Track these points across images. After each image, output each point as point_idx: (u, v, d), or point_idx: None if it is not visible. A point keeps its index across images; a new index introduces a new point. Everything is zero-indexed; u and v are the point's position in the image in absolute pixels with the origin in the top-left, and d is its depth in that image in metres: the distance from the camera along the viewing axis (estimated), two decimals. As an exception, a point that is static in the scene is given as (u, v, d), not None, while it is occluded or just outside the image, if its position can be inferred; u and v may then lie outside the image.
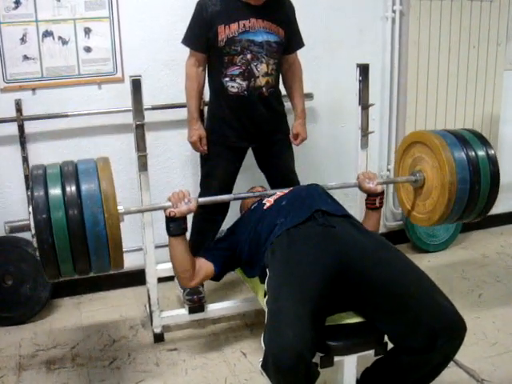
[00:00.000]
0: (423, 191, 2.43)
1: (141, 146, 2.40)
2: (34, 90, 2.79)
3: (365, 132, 2.69)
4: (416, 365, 1.75)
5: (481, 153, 2.31)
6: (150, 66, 2.92)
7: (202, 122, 2.69)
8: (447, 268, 3.29)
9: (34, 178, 1.84)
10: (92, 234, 1.79)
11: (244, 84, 2.50)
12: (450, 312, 1.72)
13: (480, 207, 2.34)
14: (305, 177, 2.84)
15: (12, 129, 2.78)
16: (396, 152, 2.70)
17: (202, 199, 2.27)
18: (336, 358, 1.75)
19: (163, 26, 2.91)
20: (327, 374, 1.83)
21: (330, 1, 3.17)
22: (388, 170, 3.47)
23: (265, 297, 1.84)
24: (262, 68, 2.50)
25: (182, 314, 2.64)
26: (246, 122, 2.58)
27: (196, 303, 2.62)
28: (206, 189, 2.68)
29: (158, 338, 2.59)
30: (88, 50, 2.81)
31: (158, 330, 2.59)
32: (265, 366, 1.60)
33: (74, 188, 1.81)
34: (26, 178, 2.79)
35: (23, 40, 2.71)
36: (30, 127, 2.81)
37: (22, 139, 2.79)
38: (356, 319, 1.85)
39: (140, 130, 2.39)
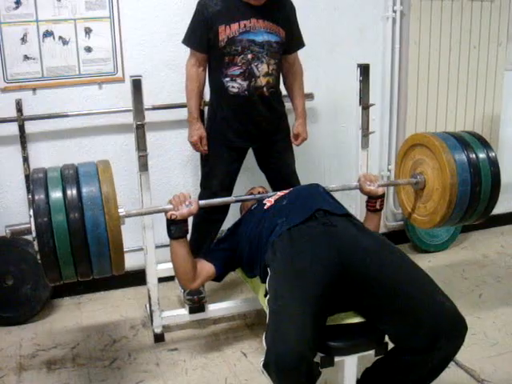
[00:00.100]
0: (424, 193, 2.43)
1: (141, 145, 2.40)
2: (34, 89, 2.79)
3: (365, 132, 2.69)
4: (417, 365, 1.75)
5: (481, 154, 2.32)
6: (150, 66, 2.92)
7: (203, 122, 2.70)
8: (448, 268, 3.30)
9: (35, 182, 1.84)
10: (93, 236, 1.78)
11: (244, 84, 2.50)
12: (451, 312, 1.72)
13: (481, 209, 2.34)
14: (305, 177, 2.84)
15: (12, 129, 2.78)
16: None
17: (203, 202, 2.27)
18: (336, 358, 1.75)
19: (164, 25, 2.91)
20: (328, 374, 1.83)
21: (331, 1, 3.16)
22: (389, 170, 3.47)
23: (266, 296, 1.84)
24: (263, 68, 2.50)
25: (182, 314, 2.64)
26: (246, 122, 2.58)
27: (196, 303, 2.62)
28: (206, 189, 2.68)
29: (159, 338, 2.59)
30: (88, 49, 2.81)
31: (158, 330, 2.59)
32: (266, 366, 1.60)
33: (74, 191, 1.81)
34: (27, 178, 2.79)
35: (24, 40, 2.71)
36: (31, 127, 2.81)
37: (23, 139, 2.79)
38: (356, 319, 1.85)
39: (140, 130, 2.39)
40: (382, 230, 3.42)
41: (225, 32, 2.45)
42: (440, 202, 2.31)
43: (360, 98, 2.64)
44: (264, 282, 1.94)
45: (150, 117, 2.64)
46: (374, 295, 1.79)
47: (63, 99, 2.83)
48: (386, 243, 1.96)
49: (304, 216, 1.99)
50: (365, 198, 2.39)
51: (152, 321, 2.59)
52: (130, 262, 2.43)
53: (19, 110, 2.75)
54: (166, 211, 2.10)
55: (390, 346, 1.82)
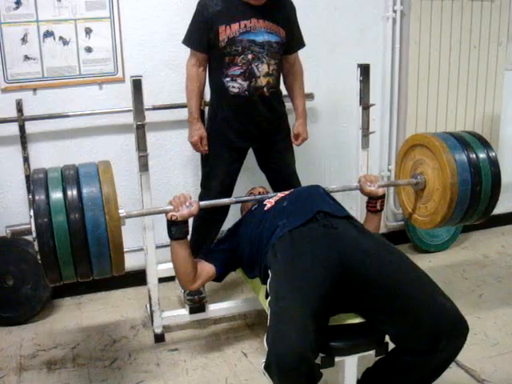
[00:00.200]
0: (424, 194, 2.43)
1: (141, 146, 2.40)
2: (34, 90, 2.79)
3: (366, 132, 2.69)
4: (417, 365, 1.75)
5: (482, 154, 2.32)
6: (150, 66, 2.92)
7: (203, 123, 2.70)
8: (448, 268, 3.29)
9: (36, 182, 1.84)
10: (93, 237, 1.78)
11: (245, 84, 2.50)
12: (451, 313, 1.72)
13: (482, 209, 2.34)
14: (305, 177, 2.84)
15: (13, 129, 2.78)
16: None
17: (203, 203, 2.27)
18: (337, 359, 1.75)
19: (164, 26, 2.91)
20: (328, 375, 1.83)
21: (331, 1, 3.16)
22: (389, 171, 3.47)
23: (267, 298, 1.84)
24: (263, 68, 2.50)
25: (182, 314, 2.64)
26: (246, 122, 2.58)
27: (197, 303, 2.62)
28: (206, 189, 2.68)
29: (159, 338, 2.59)
30: (89, 50, 2.81)
31: (158, 330, 2.59)
32: (268, 368, 1.59)
33: (75, 191, 1.81)
34: (27, 178, 2.79)
35: (24, 40, 2.71)
36: (31, 127, 2.81)
37: (23, 139, 2.79)
38: (357, 320, 1.85)
39: (141, 130, 2.39)
40: (383, 230, 3.42)
41: (225, 32, 2.45)
42: (441, 202, 2.30)
43: (360, 98, 2.64)
44: (264, 283, 1.94)
45: (151, 117, 2.64)
46: (374, 296, 1.79)
47: (63, 99, 2.83)
48: (386, 245, 1.97)
49: (305, 218, 1.98)
50: (365, 198, 2.39)
51: (152, 321, 2.59)
52: (131, 263, 2.43)
53: (19, 110, 2.75)
54: (166, 212, 2.10)
55: (391, 346, 1.82)
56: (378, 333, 1.81)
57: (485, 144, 2.37)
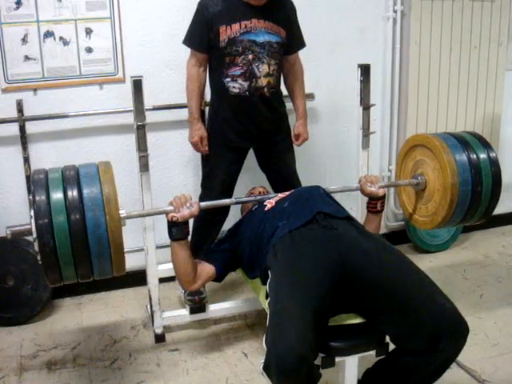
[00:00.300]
0: (425, 194, 2.43)
1: (142, 146, 2.40)
2: (35, 90, 2.79)
3: (366, 132, 2.69)
4: (418, 366, 1.75)
5: (482, 155, 2.32)
6: (151, 67, 2.92)
7: (203, 123, 2.69)
8: (448, 268, 3.29)
9: (36, 182, 1.84)
10: (93, 237, 1.78)
11: (245, 84, 2.50)
12: (452, 314, 1.72)
13: (482, 209, 2.34)
14: (306, 177, 2.84)
15: (13, 129, 2.78)
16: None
17: (204, 203, 2.27)
18: (337, 359, 1.75)
19: (164, 26, 2.91)
20: (328, 375, 1.83)
21: (331, 1, 3.16)
22: (389, 171, 3.47)
23: (267, 298, 1.84)
24: (264, 68, 2.50)
25: (183, 314, 2.64)
26: (247, 122, 2.58)
27: (197, 303, 2.62)
28: (207, 189, 2.68)
29: (159, 339, 2.59)
30: (89, 50, 2.81)
31: (159, 331, 2.59)
32: (266, 368, 1.59)
33: (75, 192, 1.81)
34: (27, 178, 2.79)
35: (24, 40, 2.71)
36: (31, 128, 2.81)
37: (23, 140, 2.79)
38: (357, 320, 1.85)
39: (141, 131, 2.39)
40: (383, 230, 3.42)
41: (225, 32, 2.45)
42: (441, 202, 2.30)
43: (361, 98, 2.64)
44: (265, 284, 1.94)
45: (151, 117, 2.64)
46: (375, 297, 1.79)
47: (64, 100, 2.83)
48: (386, 246, 1.97)
49: (305, 219, 1.98)
50: (365, 198, 2.39)
51: (153, 321, 2.59)
52: (131, 263, 2.43)
53: (20, 110, 2.75)
54: (167, 213, 2.10)
55: (392, 346, 1.82)
56: (379, 333, 1.81)
57: (485, 144, 2.37)
